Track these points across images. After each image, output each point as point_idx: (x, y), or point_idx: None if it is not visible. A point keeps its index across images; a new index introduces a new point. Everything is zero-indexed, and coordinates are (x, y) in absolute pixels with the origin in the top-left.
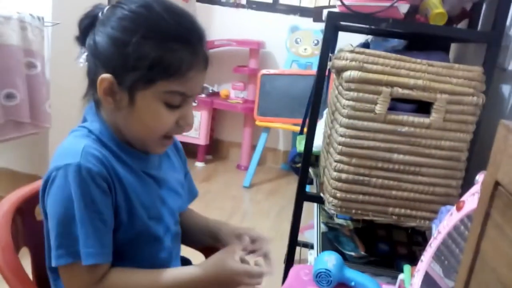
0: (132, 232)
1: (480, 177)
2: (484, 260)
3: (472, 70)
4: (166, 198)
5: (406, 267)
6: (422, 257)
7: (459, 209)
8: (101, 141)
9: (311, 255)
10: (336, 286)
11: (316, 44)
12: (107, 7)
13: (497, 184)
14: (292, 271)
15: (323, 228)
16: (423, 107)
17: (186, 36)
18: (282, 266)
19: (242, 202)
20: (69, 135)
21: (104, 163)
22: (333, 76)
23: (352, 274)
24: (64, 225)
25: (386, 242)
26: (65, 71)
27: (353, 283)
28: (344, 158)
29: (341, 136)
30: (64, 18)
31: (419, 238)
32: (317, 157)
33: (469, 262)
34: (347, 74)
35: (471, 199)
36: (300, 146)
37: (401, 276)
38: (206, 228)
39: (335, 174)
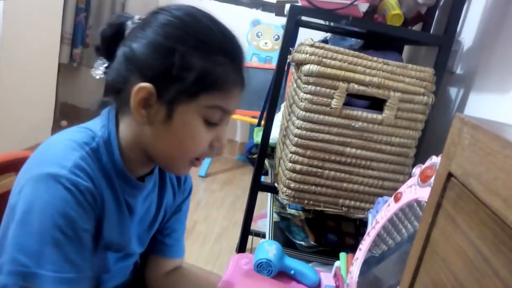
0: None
1: (416, 170)
2: (434, 249)
3: (424, 71)
4: (136, 230)
5: (342, 255)
6: (361, 246)
7: (396, 200)
8: (99, 154)
9: None
10: (277, 275)
11: (276, 39)
12: (140, 17)
13: (450, 175)
14: (232, 261)
15: (276, 217)
16: (377, 104)
17: (232, 51)
18: (234, 255)
19: (197, 191)
20: (67, 134)
21: (94, 181)
22: (292, 70)
23: (292, 263)
24: (35, 241)
25: (335, 233)
26: (17, 48)
27: (292, 272)
28: (299, 150)
29: (298, 128)
30: None
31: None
32: (273, 148)
33: (419, 250)
34: (306, 67)
35: (408, 191)
36: (257, 138)
37: (337, 263)
38: None
39: (290, 165)
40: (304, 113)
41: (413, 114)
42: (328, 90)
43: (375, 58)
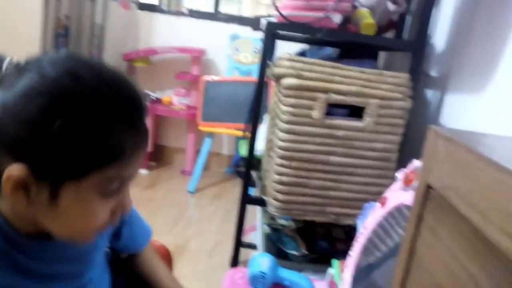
0: None
1: (399, 174)
2: (419, 261)
3: (400, 76)
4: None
5: (335, 262)
6: (351, 252)
7: (383, 204)
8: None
9: None
10: (272, 287)
11: (256, 52)
12: (6, 65)
13: (429, 187)
14: (227, 276)
15: (266, 229)
16: (357, 112)
17: (127, 112)
18: (229, 269)
19: (187, 207)
20: None
21: None
22: (273, 83)
23: (286, 274)
24: None
25: (326, 240)
26: None
27: (287, 282)
28: (285, 162)
29: (282, 141)
30: None
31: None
32: (259, 160)
33: (404, 263)
34: (285, 81)
35: (393, 195)
36: (243, 151)
37: (330, 271)
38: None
39: (276, 177)
40: (286, 125)
41: (393, 119)
42: (308, 101)
43: (351, 67)
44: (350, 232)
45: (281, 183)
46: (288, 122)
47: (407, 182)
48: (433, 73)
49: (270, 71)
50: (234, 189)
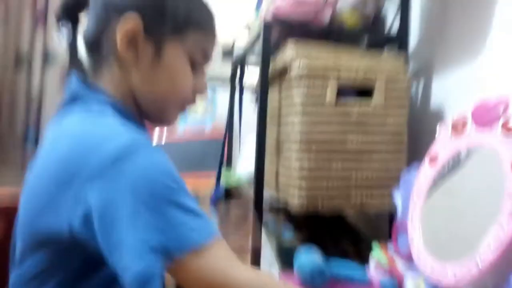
0: None
1: (440, 128)
2: None
3: (398, 59)
4: None
5: (375, 245)
6: (410, 220)
7: (433, 162)
8: (124, 115)
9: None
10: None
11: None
12: None
13: None
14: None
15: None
16: (364, 93)
17: None
18: None
19: None
20: (87, 123)
21: None
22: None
23: (339, 267)
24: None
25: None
26: None
27: (343, 277)
28: (304, 147)
29: (300, 132)
30: None
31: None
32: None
33: None
34: (295, 68)
35: (443, 149)
36: (229, 179)
37: (373, 256)
38: None
39: (297, 173)
40: (302, 117)
41: (399, 99)
42: (320, 88)
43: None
44: (358, 242)
45: (303, 177)
46: (303, 114)
47: (458, 129)
48: (416, 61)
49: (272, 66)
50: None
